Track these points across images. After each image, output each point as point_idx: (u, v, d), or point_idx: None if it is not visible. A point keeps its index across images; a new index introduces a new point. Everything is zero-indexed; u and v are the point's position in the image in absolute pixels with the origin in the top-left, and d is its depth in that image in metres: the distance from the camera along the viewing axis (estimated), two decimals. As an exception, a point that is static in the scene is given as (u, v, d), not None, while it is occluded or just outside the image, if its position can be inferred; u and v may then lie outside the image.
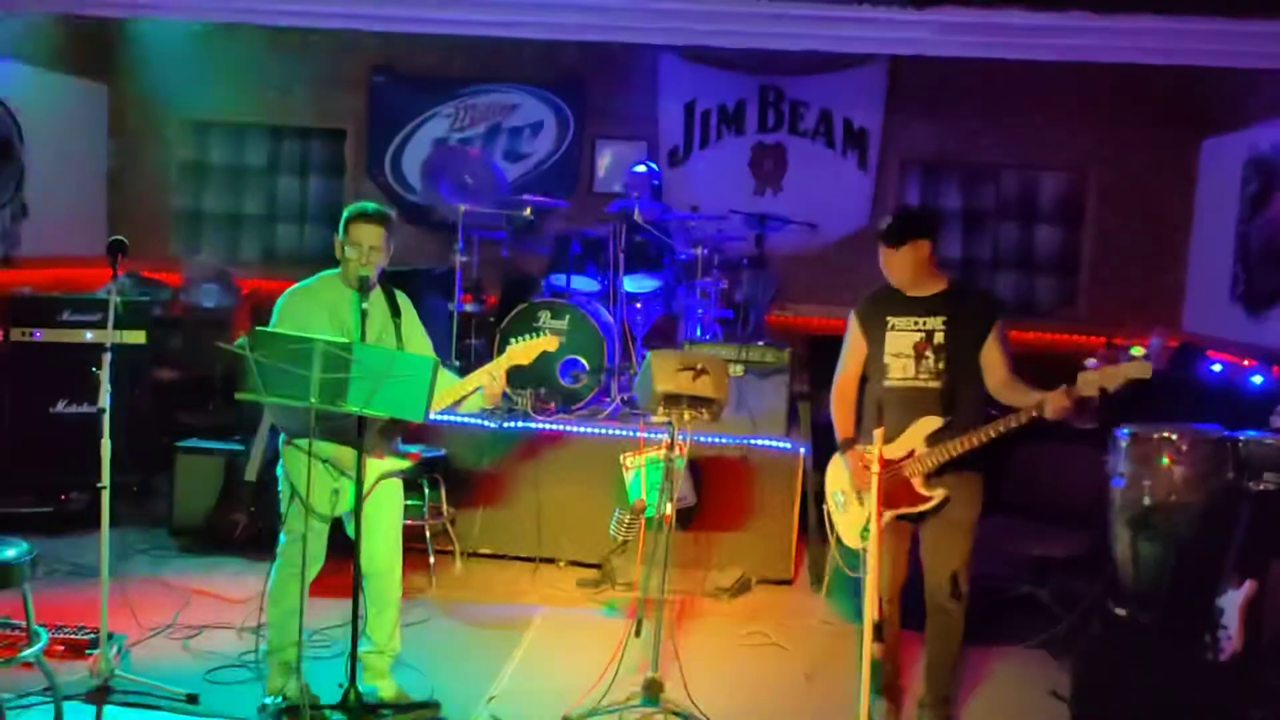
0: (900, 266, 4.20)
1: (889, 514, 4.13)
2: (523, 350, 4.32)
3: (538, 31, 8.08)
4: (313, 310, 4.12)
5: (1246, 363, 7.05)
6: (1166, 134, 8.32)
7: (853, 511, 4.32)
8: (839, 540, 4.40)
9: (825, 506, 4.46)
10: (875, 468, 3.53)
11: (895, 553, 4.24)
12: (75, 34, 8.64)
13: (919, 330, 4.19)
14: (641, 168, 7.53)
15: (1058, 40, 6.88)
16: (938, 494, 4.08)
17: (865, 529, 4.11)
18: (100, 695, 4.03)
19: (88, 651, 4.41)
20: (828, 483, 4.47)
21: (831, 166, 8.77)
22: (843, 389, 4.42)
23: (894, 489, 4.10)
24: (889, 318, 4.25)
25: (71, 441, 6.07)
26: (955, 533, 4.19)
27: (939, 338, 4.15)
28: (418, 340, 4.30)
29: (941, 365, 4.14)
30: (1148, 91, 8.14)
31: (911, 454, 4.11)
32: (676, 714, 4.20)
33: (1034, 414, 3.92)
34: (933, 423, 4.08)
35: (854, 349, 4.39)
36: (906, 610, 4.44)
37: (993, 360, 4.14)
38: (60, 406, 6.38)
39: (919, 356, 4.17)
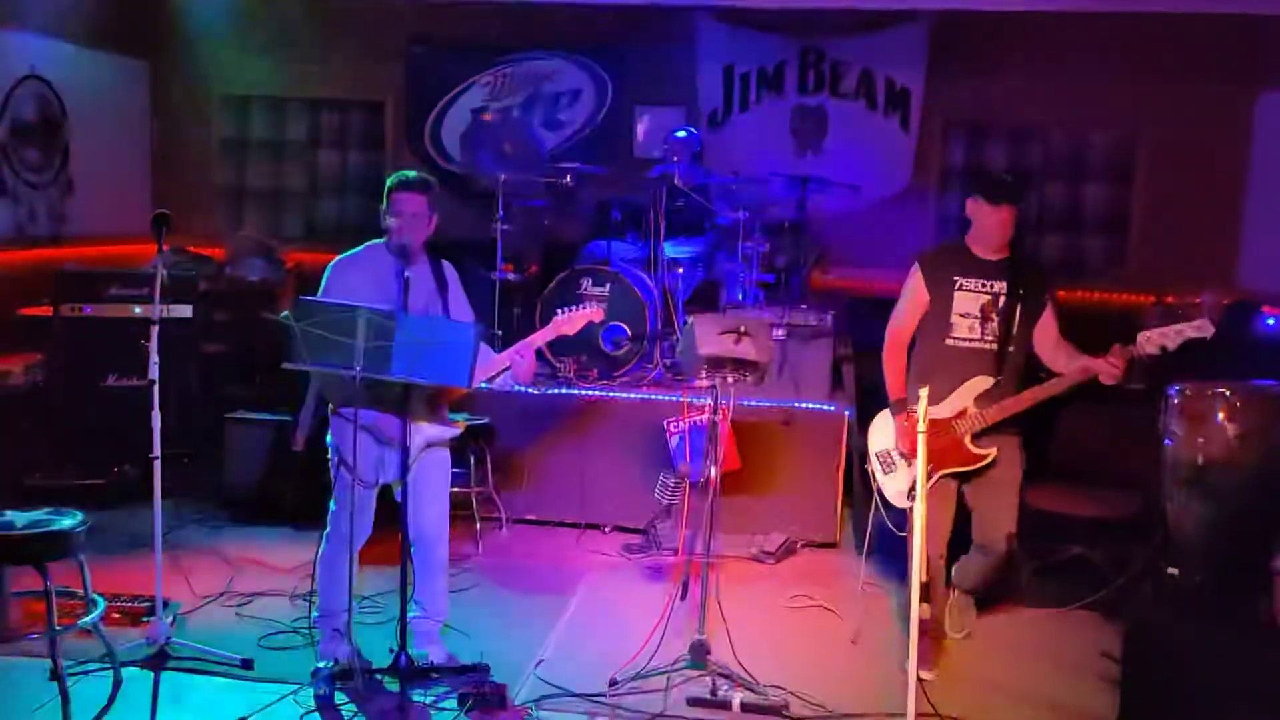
0: (1006, 225, 4.27)
1: (938, 473, 4.19)
2: (568, 322, 4.32)
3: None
4: (358, 279, 4.15)
5: (1303, 318, 6.91)
6: (1220, 88, 8.10)
7: (900, 472, 4.37)
8: (884, 501, 4.42)
9: (868, 466, 4.51)
10: (922, 426, 3.51)
11: (943, 512, 4.29)
12: (116, 11, 8.70)
13: (987, 293, 4.29)
14: (682, 133, 7.48)
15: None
16: (989, 452, 4.18)
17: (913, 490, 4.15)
18: (157, 661, 4.11)
19: (144, 619, 4.50)
20: (871, 442, 4.49)
21: (873, 128, 8.64)
22: (899, 342, 4.44)
23: (944, 448, 4.18)
24: (957, 277, 4.32)
25: (123, 415, 6.17)
26: (1004, 494, 4.30)
27: (1002, 302, 4.26)
28: (462, 311, 4.31)
29: (1000, 329, 4.25)
30: (1200, 43, 7.92)
31: (963, 413, 4.18)
32: (723, 676, 4.21)
33: (1083, 377, 4.04)
34: (983, 382, 4.21)
35: (915, 301, 4.41)
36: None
37: (1047, 328, 4.30)
38: (111, 380, 6.47)
39: (985, 318, 4.27)
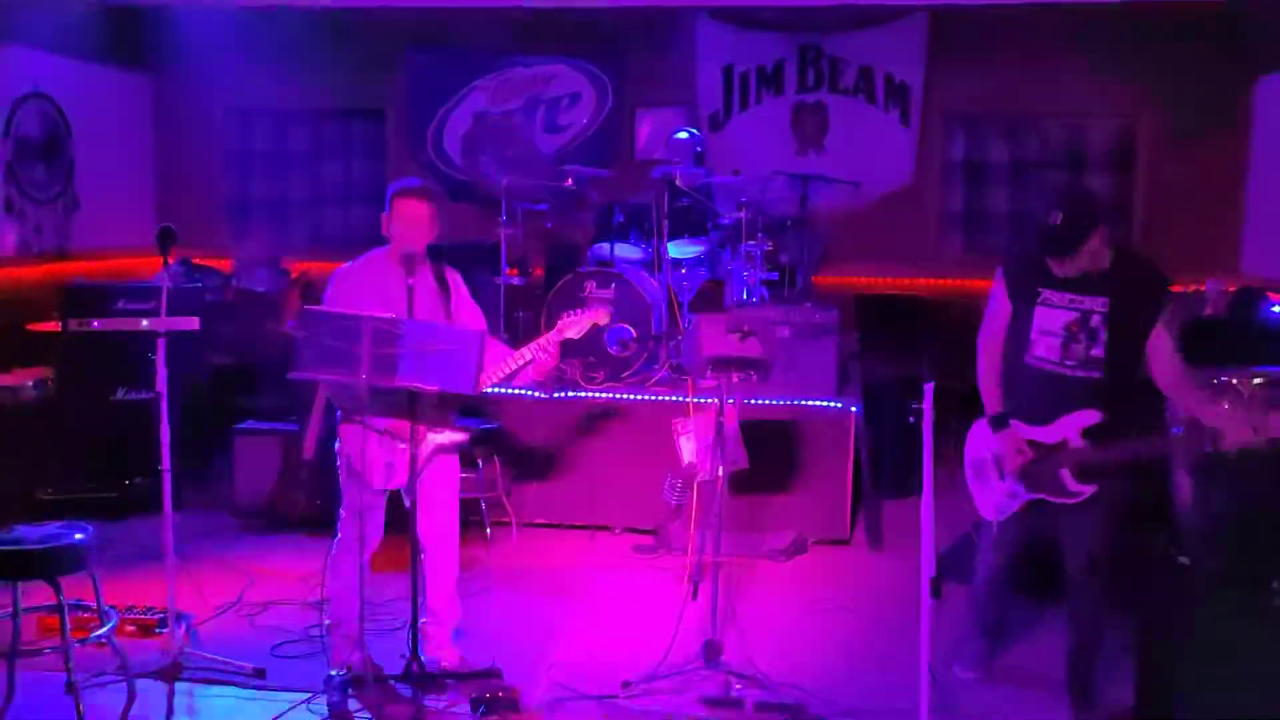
0: (1072, 269, 3.78)
1: (1029, 496, 4.02)
2: (574, 324, 4.32)
3: (572, -1, 8.07)
4: (361, 288, 4.16)
5: (1309, 304, 6.88)
6: (1219, 74, 8.10)
7: (993, 485, 4.13)
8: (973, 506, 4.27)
9: (964, 471, 4.27)
10: (927, 418, 3.49)
11: (1020, 522, 4.14)
12: (119, 27, 8.75)
13: (1074, 309, 3.80)
14: (683, 134, 7.49)
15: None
16: (1088, 490, 3.86)
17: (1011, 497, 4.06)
18: (171, 672, 4.11)
19: (157, 631, 4.52)
20: (967, 447, 4.25)
21: (873, 123, 8.66)
22: (989, 354, 4.07)
23: (1041, 474, 3.92)
24: (1041, 289, 3.86)
25: (133, 428, 6.17)
26: (1096, 513, 3.92)
27: (1096, 320, 3.76)
28: (469, 315, 4.32)
29: (1096, 353, 3.78)
30: (1198, 30, 7.92)
31: (1064, 444, 3.87)
32: (736, 675, 4.21)
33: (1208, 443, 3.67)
34: (1091, 417, 3.81)
35: (1000, 309, 4.02)
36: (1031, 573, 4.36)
37: (1162, 350, 3.76)
38: (120, 394, 6.50)
39: (1069, 339, 3.80)
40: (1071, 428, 3.87)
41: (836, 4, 8.10)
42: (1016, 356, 3.98)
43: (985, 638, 4.47)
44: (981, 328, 4.13)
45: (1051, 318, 3.86)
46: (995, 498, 4.15)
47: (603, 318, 4.39)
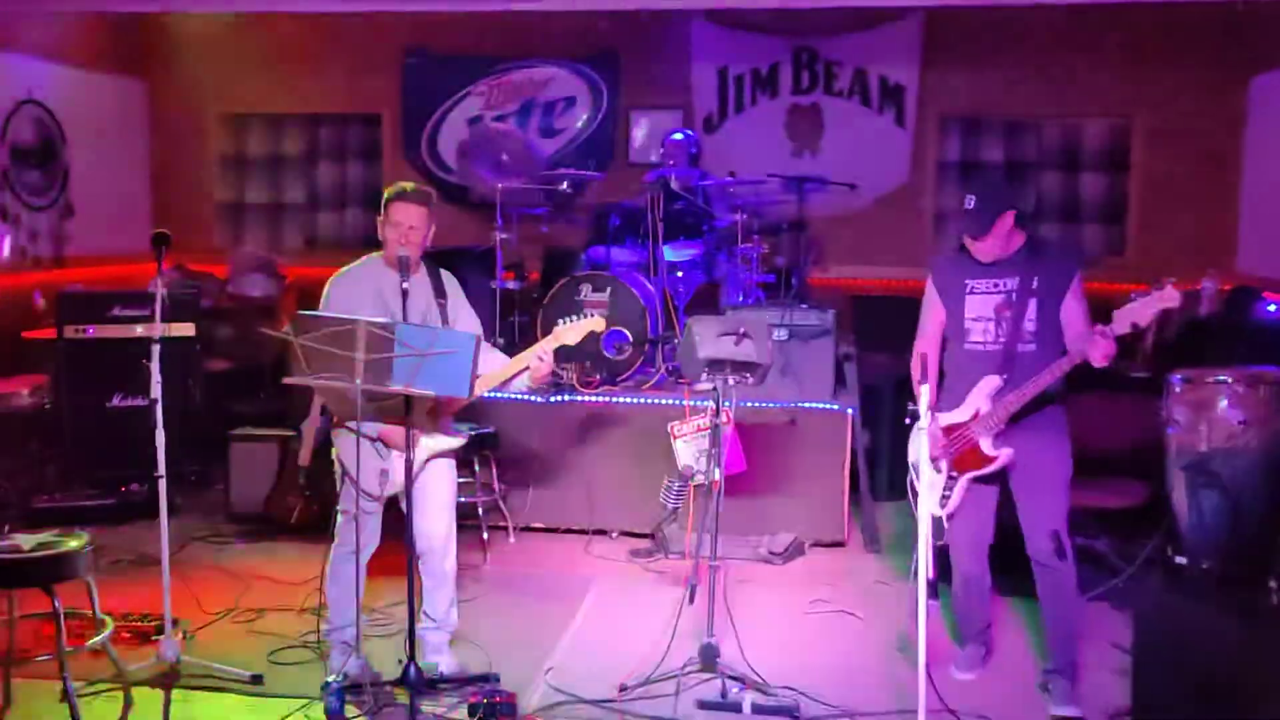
0: (990, 250, 4.06)
1: (963, 478, 4.13)
2: (570, 331, 4.32)
3: (568, 3, 8.06)
4: (358, 293, 4.17)
5: (1305, 303, 6.89)
6: (1213, 73, 8.11)
7: (935, 480, 4.22)
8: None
9: (909, 476, 4.35)
10: (923, 423, 3.50)
11: (975, 515, 4.21)
12: (112, 33, 8.75)
13: (1000, 291, 4.08)
14: (679, 136, 7.49)
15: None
16: (1003, 454, 4.04)
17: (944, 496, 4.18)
18: (167, 680, 4.12)
19: (153, 638, 4.50)
20: (910, 453, 4.34)
21: (869, 125, 8.65)
22: (921, 354, 4.17)
23: (963, 453, 4.10)
24: (967, 280, 4.14)
25: (129, 434, 6.16)
26: (1047, 491, 4.11)
27: (1017, 297, 4.04)
28: (465, 321, 4.32)
29: (1024, 326, 4.04)
30: (1192, 30, 7.93)
31: (976, 415, 4.06)
32: (733, 678, 4.21)
33: (1077, 360, 3.84)
34: (992, 381, 4.03)
35: (933, 312, 4.27)
36: (1001, 572, 4.40)
37: (1072, 315, 4.03)
38: (116, 400, 6.50)
39: (999, 319, 4.07)
40: (979, 397, 4.06)
41: (830, 6, 8.09)
42: (956, 347, 4.19)
43: (976, 640, 4.49)
44: (918, 335, 4.31)
45: (982, 304, 4.11)
46: (939, 490, 4.23)
47: (599, 326, 4.38)
